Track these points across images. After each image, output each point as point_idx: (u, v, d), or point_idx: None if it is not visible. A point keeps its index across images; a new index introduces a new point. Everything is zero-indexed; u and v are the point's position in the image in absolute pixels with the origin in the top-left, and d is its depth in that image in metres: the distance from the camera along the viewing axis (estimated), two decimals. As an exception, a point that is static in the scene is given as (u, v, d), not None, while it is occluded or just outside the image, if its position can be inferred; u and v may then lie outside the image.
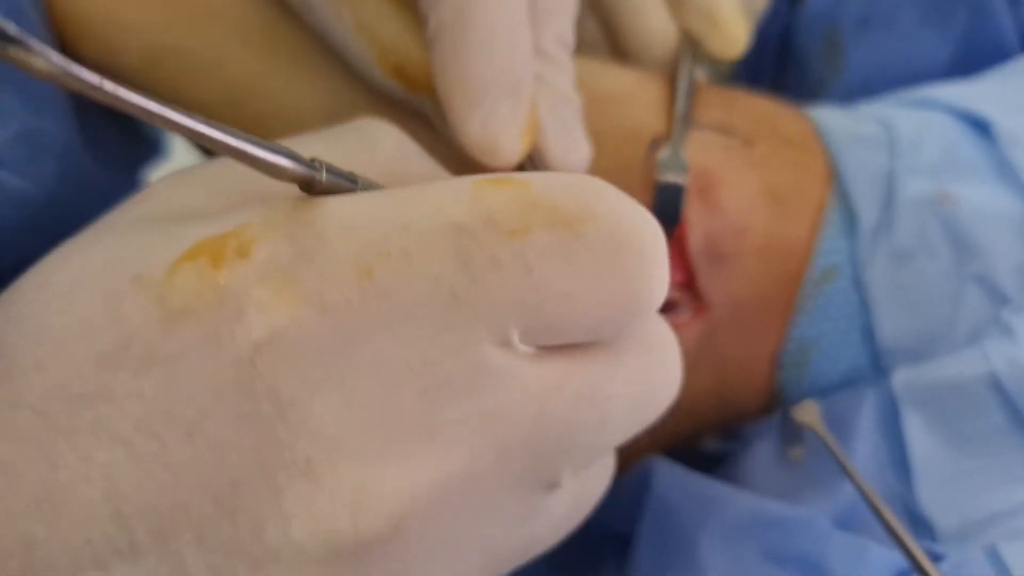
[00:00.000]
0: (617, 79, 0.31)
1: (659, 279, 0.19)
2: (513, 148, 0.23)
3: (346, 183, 0.19)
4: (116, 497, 0.16)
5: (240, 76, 0.30)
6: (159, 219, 0.19)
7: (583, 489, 0.22)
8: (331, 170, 0.18)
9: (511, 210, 0.18)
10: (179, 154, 0.37)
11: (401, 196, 0.18)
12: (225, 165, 0.21)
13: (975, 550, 0.26)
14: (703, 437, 0.33)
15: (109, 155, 0.31)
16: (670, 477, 0.29)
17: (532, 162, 0.25)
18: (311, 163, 0.18)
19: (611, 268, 0.18)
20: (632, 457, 0.31)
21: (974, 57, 0.39)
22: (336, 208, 0.18)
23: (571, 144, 0.25)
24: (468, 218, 0.18)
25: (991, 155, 0.31)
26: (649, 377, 0.20)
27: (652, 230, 0.19)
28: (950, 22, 0.40)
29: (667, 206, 0.29)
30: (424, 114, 0.28)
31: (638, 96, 0.31)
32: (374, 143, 0.22)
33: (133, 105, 0.15)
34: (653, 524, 0.29)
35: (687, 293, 0.30)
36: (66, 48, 0.30)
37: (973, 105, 0.32)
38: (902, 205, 0.30)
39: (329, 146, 0.22)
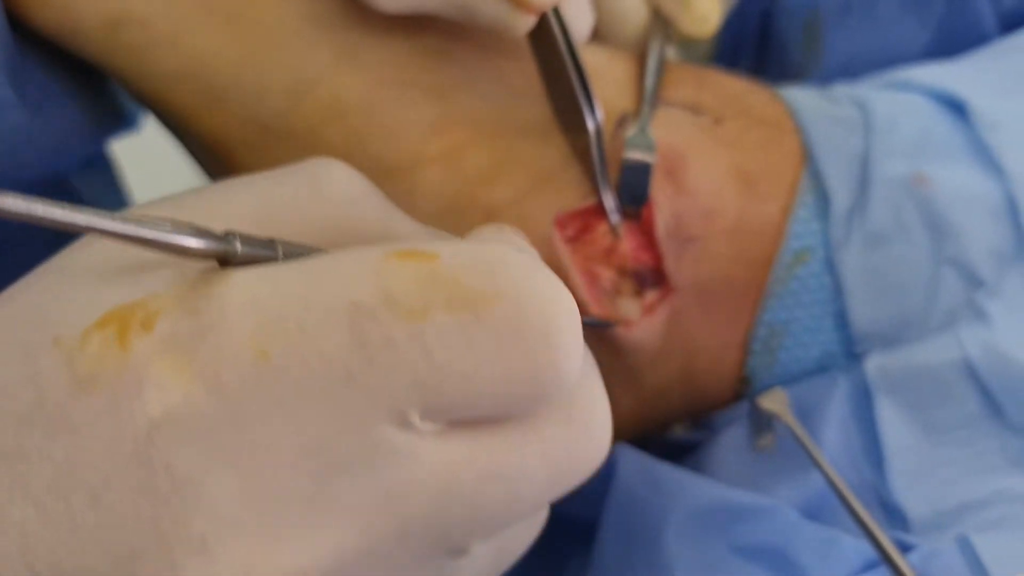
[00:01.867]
0: (587, 57, 0.30)
1: (568, 358, 0.18)
2: None
3: (264, 252, 0.19)
4: (29, 553, 0.17)
5: (201, 48, 0.29)
6: (92, 270, 0.19)
7: (503, 546, 0.21)
8: (247, 241, 0.18)
9: (412, 288, 0.17)
10: (150, 128, 0.36)
11: (309, 270, 0.18)
12: (181, 202, 0.21)
13: (947, 540, 0.25)
14: (672, 425, 0.32)
15: (69, 120, 0.31)
16: (634, 465, 0.28)
17: (557, 15, 0.27)
18: (224, 237, 0.18)
19: (513, 351, 0.18)
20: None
21: (953, 43, 0.39)
22: (241, 282, 0.18)
23: (581, 10, 0.28)
24: (367, 296, 0.17)
25: (967, 137, 0.31)
26: (570, 450, 0.20)
27: (561, 307, 0.18)
28: (929, 8, 0.39)
29: (634, 185, 0.28)
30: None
31: (607, 74, 0.30)
32: (321, 186, 0.21)
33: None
34: (617, 513, 0.28)
35: (653, 275, 0.29)
36: (27, 16, 0.29)
37: (949, 86, 0.32)
38: (877, 187, 0.29)
39: (274, 190, 0.21)
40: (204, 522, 0.17)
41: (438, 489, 0.18)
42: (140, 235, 0.17)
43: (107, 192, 0.40)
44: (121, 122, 0.36)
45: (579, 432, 0.20)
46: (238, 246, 0.18)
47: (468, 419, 0.18)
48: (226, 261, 0.18)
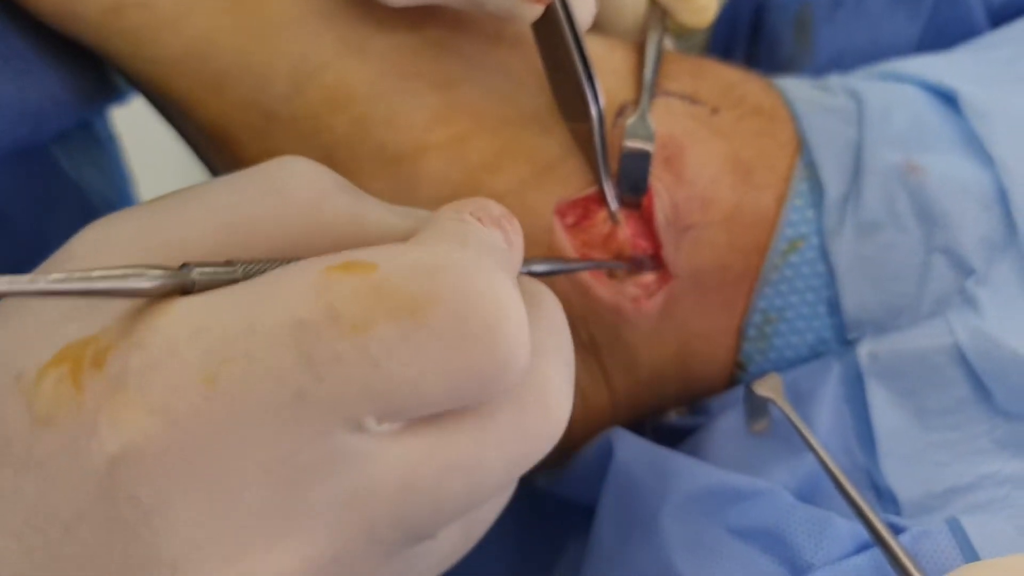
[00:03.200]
0: (588, 46, 0.31)
1: (511, 352, 0.19)
2: None
3: (224, 275, 0.19)
4: None
5: (203, 31, 0.29)
6: (57, 305, 0.20)
7: (470, 523, 0.22)
8: (204, 270, 0.19)
9: (354, 301, 0.18)
10: (138, 101, 0.36)
11: (251, 291, 0.18)
12: (142, 224, 0.21)
13: (937, 522, 0.26)
14: (667, 411, 0.33)
15: (49, 89, 0.31)
16: (632, 449, 0.29)
17: (563, 3, 0.28)
18: (180, 270, 0.18)
19: (456, 352, 0.18)
20: (594, 429, 0.31)
21: (943, 37, 0.39)
22: (186, 311, 0.18)
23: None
24: (311, 313, 0.18)
25: (958, 127, 0.31)
26: (525, 434, 0.20)
27: (501, 304, 0.18)
28: (919, 3, 0.40)
29: (634, 173, 0.29)
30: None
31: (607, 64, 0.31)
32: (283, 191, 0.21)
33: None
34: (615, 496, 0.28)
35: (652, 262, 0.29)
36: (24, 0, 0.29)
37: (940, 77, 0.32)
38: (870, 176, 0.30)
39: (234, 201, 0.21)
40: (174, 548, 0.17)
41: (400, 486, 0.18)
42: (95, 288, 0.17)
43: (93, 167, 0.39)
44: (108, 93, 0.35)
45: (533, 415, 0.20)
46: (195, 275, 0.18)
47: (424, 416, 0.19)
48: (187, 291, 0.18)
